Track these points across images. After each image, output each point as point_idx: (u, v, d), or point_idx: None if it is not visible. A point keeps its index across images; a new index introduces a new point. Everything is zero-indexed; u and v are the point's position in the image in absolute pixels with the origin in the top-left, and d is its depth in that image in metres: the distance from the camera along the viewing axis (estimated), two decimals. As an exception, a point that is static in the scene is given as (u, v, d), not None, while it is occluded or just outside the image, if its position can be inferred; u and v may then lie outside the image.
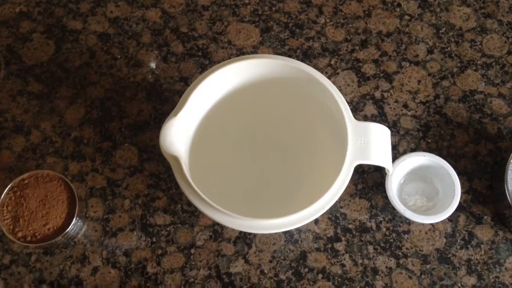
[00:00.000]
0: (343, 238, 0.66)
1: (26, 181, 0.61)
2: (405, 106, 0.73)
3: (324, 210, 0.53)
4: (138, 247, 0.65)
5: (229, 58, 0.70)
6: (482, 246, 0.66)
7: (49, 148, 0.69)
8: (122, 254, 0.65)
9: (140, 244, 0.65)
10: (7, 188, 0.61)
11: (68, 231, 0.60)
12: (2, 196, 0.61)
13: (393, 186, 0.64)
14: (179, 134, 0.56)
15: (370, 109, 0.72)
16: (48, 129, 0.70)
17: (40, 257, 0.64)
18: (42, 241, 0.59)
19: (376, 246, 0.66)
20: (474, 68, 0.75)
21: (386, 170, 0.57)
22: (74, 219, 0.61)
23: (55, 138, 0.70)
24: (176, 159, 0.53)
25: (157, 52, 0.75)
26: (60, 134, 0.70)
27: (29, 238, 0.59)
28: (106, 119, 0.71)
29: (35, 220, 0.60)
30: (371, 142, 0.55)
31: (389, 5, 0.79)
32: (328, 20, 0.78)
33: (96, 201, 0.67)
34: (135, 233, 0.66)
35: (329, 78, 0.74)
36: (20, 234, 0.59)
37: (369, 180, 0.69)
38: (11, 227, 0.60)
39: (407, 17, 0.78)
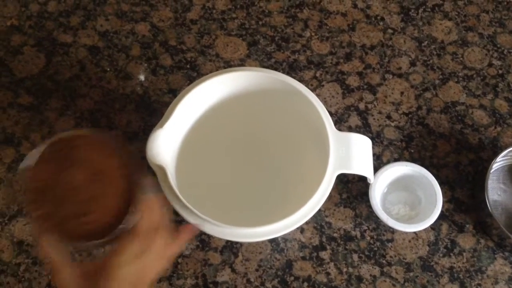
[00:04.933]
0: (328, 247, 0.67)
1: (82, 141, 0.41)
2: (389, 117, 0.74)
3: (307, 218, 0.54)
4: (126, 257, 0.66)
5: (217, 70, 0.71)
6: (464, 254, 0.67)
7: (39, 159, 0.70)
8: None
9: (128, 254, 0.66)
10: (52, 138, 0.42)
11: (106, 241, 0.41)
12: (42, 146, 0.41)
13: (376, 195, 0.65)
14: (165, 144, 0.57)
15: (354, 120, 0.74)
16: (38, 140, 0.71)
17: (29, 267, 0.65)
18: (70, 238, 0.40)
19: (360, 255, 0.67)
20: (456, 80, 0.77)
21: (368, 179, 0.59)
22: (123, 223, 0.41)
23: (44, 149, 0.71)
24: (162, 169, 0.54)
25: (146, 64, 0.77)
26: (49, 145, 0.71)
27: (52, 222, 0.39)
28: (96, 130, 0.72)
29: (72, 201, 0.39)
30: (352, 152, 0.56)
31: (373, 19, 0.81)
32: (313, 34, 0.80)
33: (84, 211, 0.68)
34: (123, 243, 0.66)
35: (314, 90, 0.75)
36: (39, 212, 0.39)
37: (354, 189, 0.70)
38: (33, 196, 0.39)
39: (390, 31, 0.80)
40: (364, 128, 0.73)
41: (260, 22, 0.80)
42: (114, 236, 0.41)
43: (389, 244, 0.67)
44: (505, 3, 0.83)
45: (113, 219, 0.40)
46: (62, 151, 0.40)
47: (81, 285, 0.40)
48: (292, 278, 0.65)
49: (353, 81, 0.76)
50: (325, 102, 0.74)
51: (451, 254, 0.67)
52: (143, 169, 0.43)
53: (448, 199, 0.70)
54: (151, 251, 0.42)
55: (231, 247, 0.67)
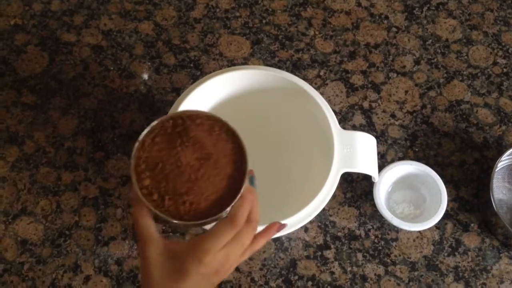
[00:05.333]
0: (332, 246, 0.67)
1: (199, 121, 0.41)
2: (393, 116, 0.74)
3: (311, 217, 0.54)
4: (130, 256, 0.66)
5: (220, 69, 0.71)
6: (469, 253, 0.67)
7: (43, 158, 0.70)
8: (114, 262, 0.65)
9: (132, 253, 0.66)
10: (168, 114, 0.43)
11: (202, 224, 0.40)
12: (157, 121, 0.41)
13: (381, 194, 0.65)
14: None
15: (359, 118, 0.74)
16: (42, 139, 0.71)
17: (33, 266, 0.65)
18: (165, 212, 0.39)
19: (365, 254, 0.66)
20: (460, 78, 0.77)
21: (372, 178, 0.59)
22: (223, 212, 0.40)
23: (48, 148, 0.71)
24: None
25: (149, 63, 0.77)
26: (53, 144, 0.71)
27: (154, 197, 0.39)
28: (99, 129, 0.72)
29: (176, 179, 0.39)
30: (357, 151, 0.56)
31: (377, 17, 0.81)
32: (317, 32, 0.79)
33: (88, 211, 0.68)
34: (127, 242, 0.66)
35: (318, 88, 0.75)
36: (147, 182, 0.40)
37: (358, 188, 0.70)
38: (143, 166, 0.40)
39: (394, 29, 0.80)
40: (368, 127, 0.73)
41: (264, 21, 0.80)
42: (211, 222, 0.40)
43: (394, 243, 0.67)
44: (510, 1, 0.83)
45: (212, 205, 0.40)
46: (175, 129, 0.40)
47: (165, 263, 0.40)
48: (296, 277, 0.65)
49: (357, 79, 0.76)
50: (329, 101, 0.74)
51: (456, 253, 0.67)
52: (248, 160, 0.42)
53: (453, 198, 0.70)
54: (239, 242, 0.41)
55: (235, 246, 0.66)
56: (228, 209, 0.40)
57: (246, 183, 0.41)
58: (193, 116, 0.41)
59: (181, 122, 0.41)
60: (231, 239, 0.41)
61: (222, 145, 0.41)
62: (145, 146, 0.40)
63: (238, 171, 0.41)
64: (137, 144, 0.40)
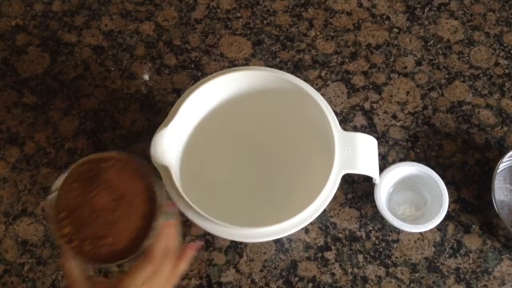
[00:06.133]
0: (333, 247, 0.67)
1: (111, 163, 0.42)
2: (394, 117, 0.74)
3: (312, 219, 0.54)
4: (130, 257, 0.66)
5: (221, 70, 0.71)
6: (470, 254, 0.67)
7: (43, 159, 0.70)
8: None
9: (132, 254, 0.66)
10: (82, 159, 0.43)
11: (123, 262, 0.42)
12: (72, 167, 0.42)
13: (382, 196, 0.65)
14: (170, 144, 0.57)
15: (360, 119, 0.73)
16: (43, 140, 0.71)
17: (33, 267, 0.65)
18: (86, 256, 0.41)
19: (365, 255, 0.66)
20: (462, 79, 0.77)
21: (373, 179, 0.58)
22: (140, 249, 0.42)
23: (49, 149, 0.71)
24: (167, 169, 0.54)
25: (150, 64, 0.77)
26: (54, 145, 0.71)
27: (74, 243, 0.41)
28: (100, 130, 0.72)
29: (93, 223, 0.40)
30: (358, 152, 0.56)
31: (378, 18, 0.81)
32: (318, 33, 0.79)
33: (89, 211, 0.68)
34: (127, 243, 0.66)
35: (319, 89, 0.75)
36: (67, 230, 0.41)
37: (359, 189, 0.70)
38: (62, 214, 0.41)
39: (395, 30, 0.80)
40: (369, 128, 0.73)
41: (265, 22, 0.80)
42: (131, 260, 0.42)
43: (395, 245, 0.67)
44: (512, 2, 0.83)
45: (131, 243, 0.41)
46: (89, 173, 0.41)
47: None
48: (297, 278, 0.65)
49: (358, 80, 0.76)
50: (330, 102, 0.74)
51: (457, 255, 0.66)
52: (166, 193, 0.44)
53: (454, 200, 0.69)
54: (161, 274, 0.43)
55: (236, 248, 0.66)
56: (143, 245, 0.41)
57: (161, 219, 0.42)
58: (105, 158, 0.42)
59: (94, 166, 0.42)
60: (152, 274, 0.42)
61: (134, 184, 0.42)
62: (64, 193, 0.41)
63: (152, 208, 0.41)
64: (56, 192, 0.41)
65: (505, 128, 0.73)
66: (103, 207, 0.40)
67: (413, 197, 0.68)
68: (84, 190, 0.40)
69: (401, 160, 0.71)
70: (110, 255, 0.40)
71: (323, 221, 0.68)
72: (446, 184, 0.66)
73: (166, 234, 0.43)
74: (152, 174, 0.43)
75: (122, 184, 0.41)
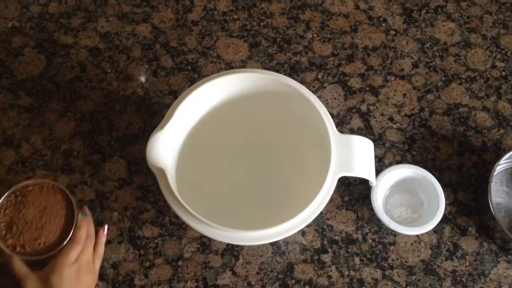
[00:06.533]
0: (329, 250, 0.66)
1: (30, 188, 0.59)
2: (391, 119, 0.74)
3: (308, 222, 0.54)
4: (126, 260, 0.65)
5: (218, 72, 0.71)
6: (467, 257, 0.67)
7: (39, 161, 0.70)
8: (110, 266, 0.65)
9: (128, 257, 0.66)
10: (9, 191, 0.59)
11: (55, 253, 0.58)
12: (2, 198, 0.58)
13: (378, 198, 0.65)
14: (166, 146, 0.56)
15: (356, 122, 0.73)
16: (38, 142, 0.71)
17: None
18: (29, 255, 0.57)
19: (362, 258, 0.66)
20: (459, 81, 0.77)
21: (369, 182, 0.58)
22: (66, 241, 0.58)
23: (45, 151, 0.70)
24: (162, 172, 0.54)
25: (147, 66, 0.76)
26: (50, 147, 0.71)
27: (18, 249, 0.57)
28: (96, 132, 0.72)
29: (28, 231, 0.57)
30: (354, 155, 0.56)
31: (375, 20, 0.81)
32: (315, 35, 0.79)
33: (84, 214, 0.67)
34: (123, 246, 0.66)
35: (316, 92, 0.75)
36: (10, 242, 0.57)
37: (355, 192, 0.69)
38: (4, 232, 0.57)
39: (392, 32, 0.80)
40: (366, 130, 0.73)
41: (262, 24, 0.80)
42: (61, 248, 0.58)
43: (391, 247, 0.67)
44: (509, 4, 0.83)
45: (58, 239, 0.58)
46: (17, 198, 0.58)
47: (40, 286, 0.55)
48: (293, 281, 0.65)
49: (355, 82, 0.76)
50: (327, 104, 0.74)
51: (454, 257, 0.66)
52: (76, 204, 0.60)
53: (451, 202, 0.69)
54: (87, 252, 0.58)
55: (232, 250, 0.66)
56: (69, 236, 0.58)
57: (80, 216, 0.59)
58: (25, 187, 0.59)
59: (19, 193, 0.58)
60: (80, 253, 0.57)
61: (52, 198, 0.59)
62: (1, 217, 0.57)
63: (70, 211, 0.59)
64: None
65: (502, 131, 0.73)
66: (32, 218, 0.57)
67: (409, 200, 0.68)
68: (15, 211, 0.58)
69: (398, 162, 0.71)
70: (45, 250, 0.57)
71: (319, 224, 0.68)
72: (443, 186, 0.66)
73: (84, 224, 0.59)
74: (63, 189, 0.60)
75: (42, 200, 0.58)
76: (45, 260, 0.58)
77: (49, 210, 0.58)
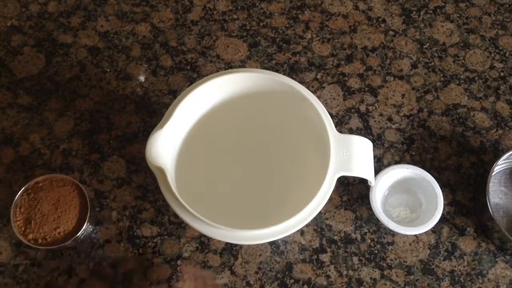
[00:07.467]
0: (328, 249, 0.67)
1: (41, 184, 0.62)
2: (390, 119, 0.74)
3: (307, 221, 0.54)
4: (125, 259, 0.65)
5: (217, 71, 0.71)
6: (465, 257, 0.67)
7: (38, 160, 0.70)
8: (109, 265, 0.65)
9: (127, 256, 0.66)
10: (21, 190, 0.61)
11: (78, 236, 0.61)
12: (16, 197, 0.61)
13: (377, 198, 0.65)
14: (165, 146, 0.56)
15: (355, 122, 0.74)
16: (37, 141, 0.71)
17: (27, 268, 0.64)
18: (52, 244, 0.60)
19: (360, 257, 0.66)
20: (457, 82, 0.77)
21: (368, 182, 0.59)
22: (85, 224, 0.61)
23: (44, 150, 0.70)
24: (162, 171, 0.54)
25: (146, 65, 0.76)
26: (49, 146, 0.71)
27: (40, 241, 0.60)
28: (95, 131, 0.72)
29: (46, 223, 0.60)
30: (353, 155, 0.56)
31: (374, 21, 0.81)
32: (314, 36, 0.79)
33: (83, 213, 0.67)
34: (122, 245, 0.66)
35: (315, 92, 0.75)
36: (31, 236, 0.60)
37: (354, 191, 0.70)
38: (23, 228, 0.60)
39: (391, 33, 0.80)
40: (365, 130, 0.73)
41: (261, 24, 0.80)
42: (76, 239, 0.61)
43: (390, 247, 0.67)
44: (507, 5, 0.83)
45: (76, 224, 0.61)
46: (30, 196, 0.61)
47: None
48: (292, 280, 0.65)
49: (354, 83, 0.76)
50: (326, 104, 0.74)
51: (452, 257, 0.67)
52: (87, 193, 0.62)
53: (449, 202, 0.70)
54: None
55: (231, 250, 0.66)
56: (86, 219, 0.61)
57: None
58: (36, 183, 0.62)
59: (30, 191, 0.61)
60: None
61: (63, 190, 0.61)
62: (17, 215, 0.60)
63: (83, 198, 0.62)
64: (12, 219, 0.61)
65: (500, 131, 0.74)
66: (48, 211, 0.60)
67: (408, 200, 0.68)
68: (30, 207, 0.60)
69: (397, 162, 0.71)
70: (65, 237, 0.60)
71: (318, 223, 0.68)
72: (441, 186, 0.66)
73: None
74: (71, 179, 0.62)
75: (54, 193, 0.61)
76: (67, 247, 0.63)
77: (62, 201, 0.61)
